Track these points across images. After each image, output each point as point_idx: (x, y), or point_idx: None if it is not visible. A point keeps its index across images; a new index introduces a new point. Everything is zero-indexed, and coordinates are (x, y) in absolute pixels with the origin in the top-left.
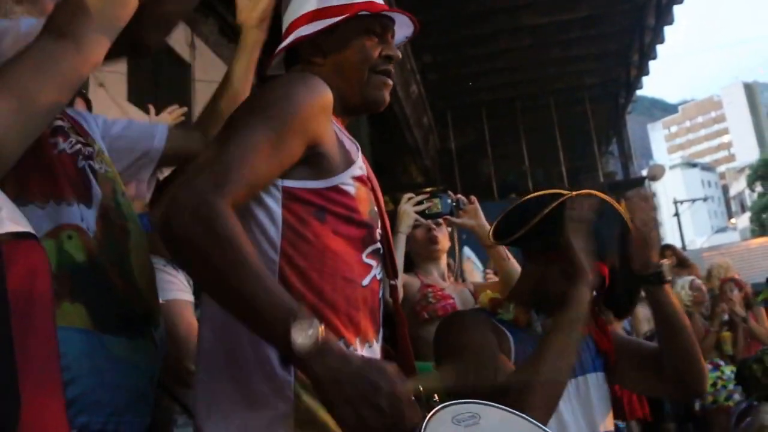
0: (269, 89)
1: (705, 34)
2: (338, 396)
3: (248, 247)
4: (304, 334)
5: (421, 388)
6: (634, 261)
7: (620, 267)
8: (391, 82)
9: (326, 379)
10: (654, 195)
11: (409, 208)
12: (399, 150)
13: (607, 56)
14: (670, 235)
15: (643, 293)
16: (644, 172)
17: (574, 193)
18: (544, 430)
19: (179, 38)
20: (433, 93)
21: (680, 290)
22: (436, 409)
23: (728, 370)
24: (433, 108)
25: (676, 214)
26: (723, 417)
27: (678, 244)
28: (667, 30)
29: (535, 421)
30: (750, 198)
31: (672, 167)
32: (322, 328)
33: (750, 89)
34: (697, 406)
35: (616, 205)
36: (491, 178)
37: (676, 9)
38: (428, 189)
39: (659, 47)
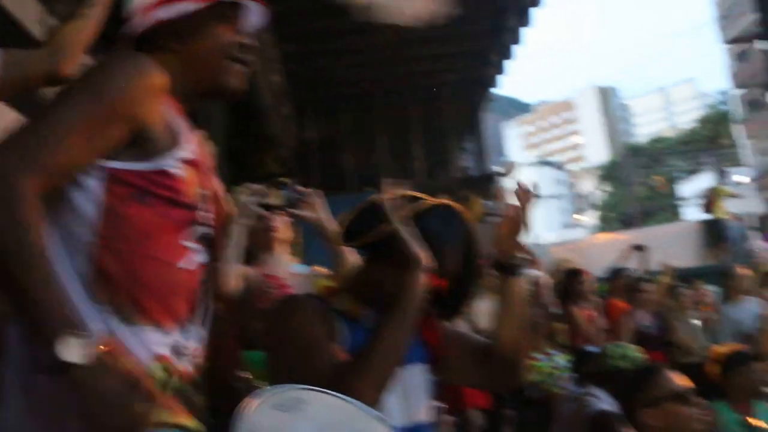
0: (97, 69)
1: (563, 38)
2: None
3: (44, 242)
4: (72, 351)
5: (250, 376)
6: (498, 248)
7: (462, 273)
8: (246, 71)
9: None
10: (511, 190)
11: (247, 198)
12: (256, 140)
13: (465, 55)
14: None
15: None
16: (496, 168)
17: (429, 202)
18: (370, 413)
19: (29, 14)
20: (293, 83)
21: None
22: (254, 397)
23: (561, 359)
24: (294, 98)
25: None
26: (556, 404)
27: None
28: (527, 32)
29: (361, 405)
30: (599, 197)
31: (525, 165)
32: (98, 347)
33: (604, 93)
34: (532, 393)
35: (462, 211)
36: (348, 171)
37: (538, 12)
38: (272, 180)
39: (518, 48)
